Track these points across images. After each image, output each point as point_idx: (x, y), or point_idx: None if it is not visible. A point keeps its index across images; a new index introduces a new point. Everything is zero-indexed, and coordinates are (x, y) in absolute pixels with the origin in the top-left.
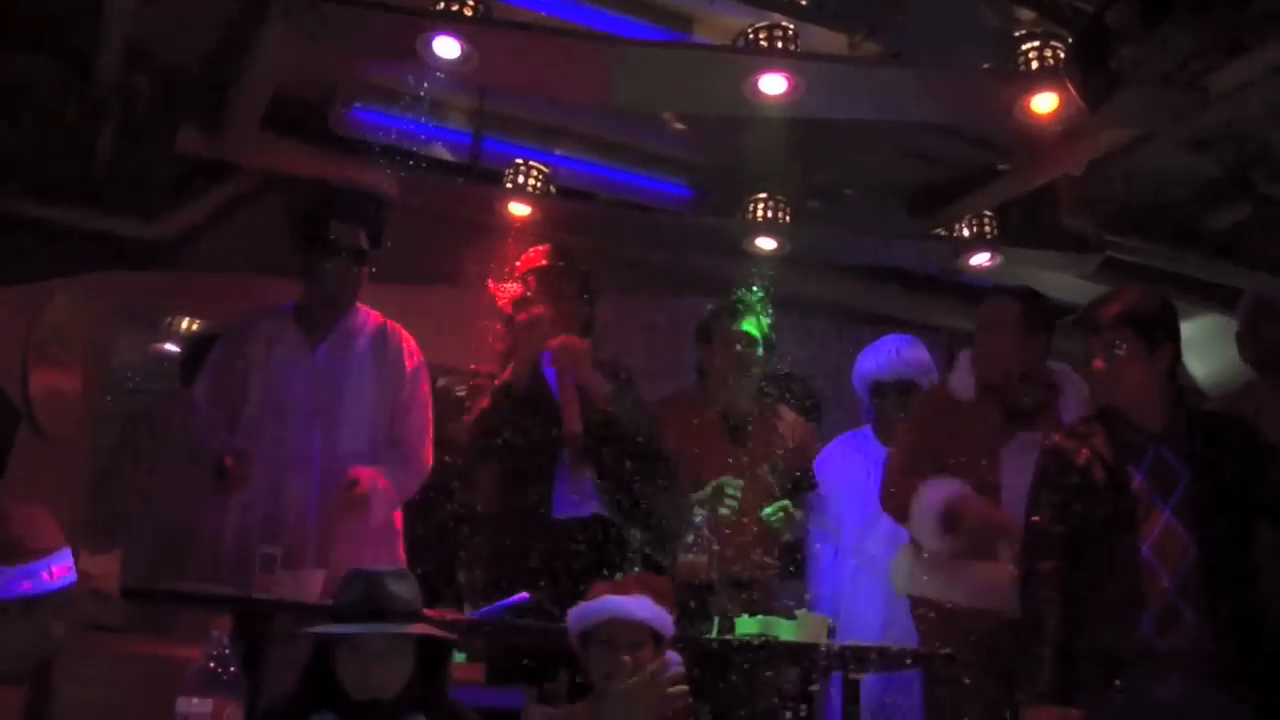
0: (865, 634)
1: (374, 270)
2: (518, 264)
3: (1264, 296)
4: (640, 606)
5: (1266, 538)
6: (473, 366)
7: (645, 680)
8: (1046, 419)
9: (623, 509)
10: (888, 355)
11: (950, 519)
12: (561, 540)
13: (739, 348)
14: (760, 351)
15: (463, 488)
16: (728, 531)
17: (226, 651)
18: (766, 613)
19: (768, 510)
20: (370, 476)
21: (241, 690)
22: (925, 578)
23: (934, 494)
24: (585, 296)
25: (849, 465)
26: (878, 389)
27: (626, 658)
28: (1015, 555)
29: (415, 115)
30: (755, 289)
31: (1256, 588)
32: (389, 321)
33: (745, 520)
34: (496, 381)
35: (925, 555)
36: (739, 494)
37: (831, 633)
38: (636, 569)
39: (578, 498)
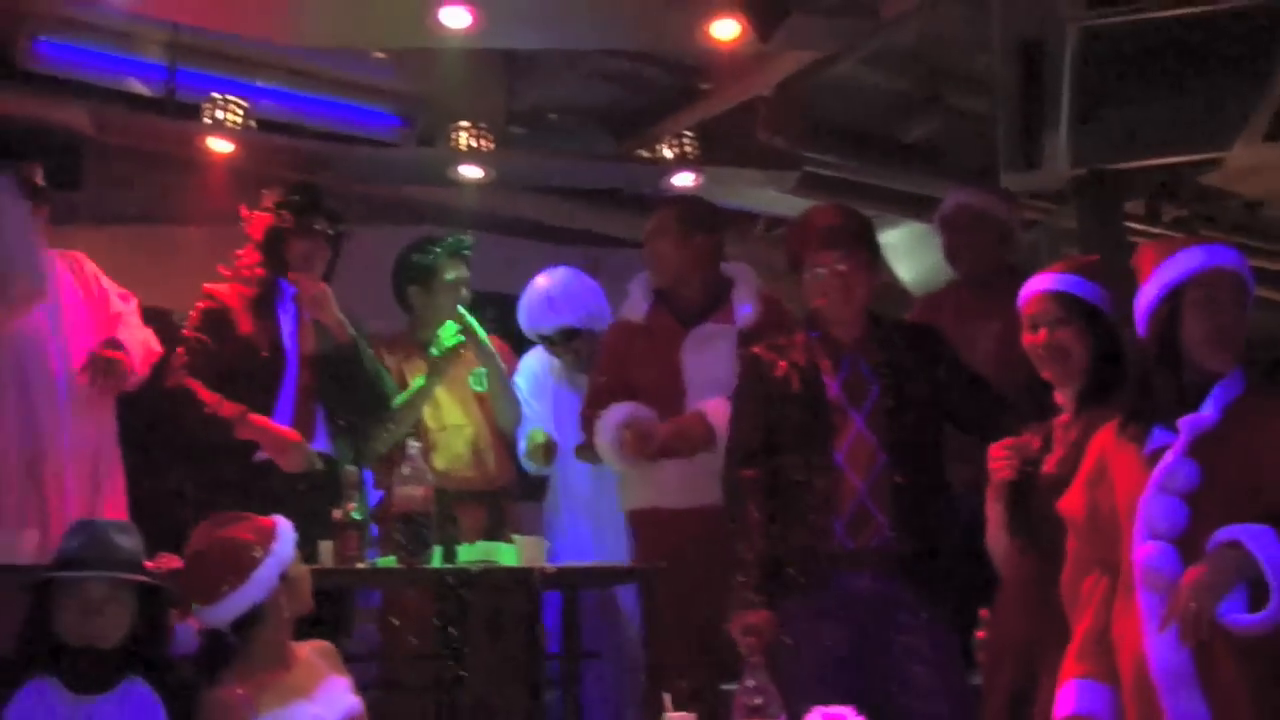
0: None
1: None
2: (268, 195)
3: (973, 208)
4: None
5: (952, 442)
6: (205, 287)
7: None
8: (719, 312)
9: (349, 445)
10: (539, 308)
11: (627, 443)
12: (286, 480)
13: (461, 291)
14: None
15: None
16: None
17: None
18: (504, 536)
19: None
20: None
21: None
22: (631, 490)
23: (609, 419)
24: (335, 234)
25: (545, 394)
26: (544, 341)
27: None
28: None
29: (106, 47)
30: (463, 235)
31: (942, 490)
32: (70, 253)
33: (479, 435)
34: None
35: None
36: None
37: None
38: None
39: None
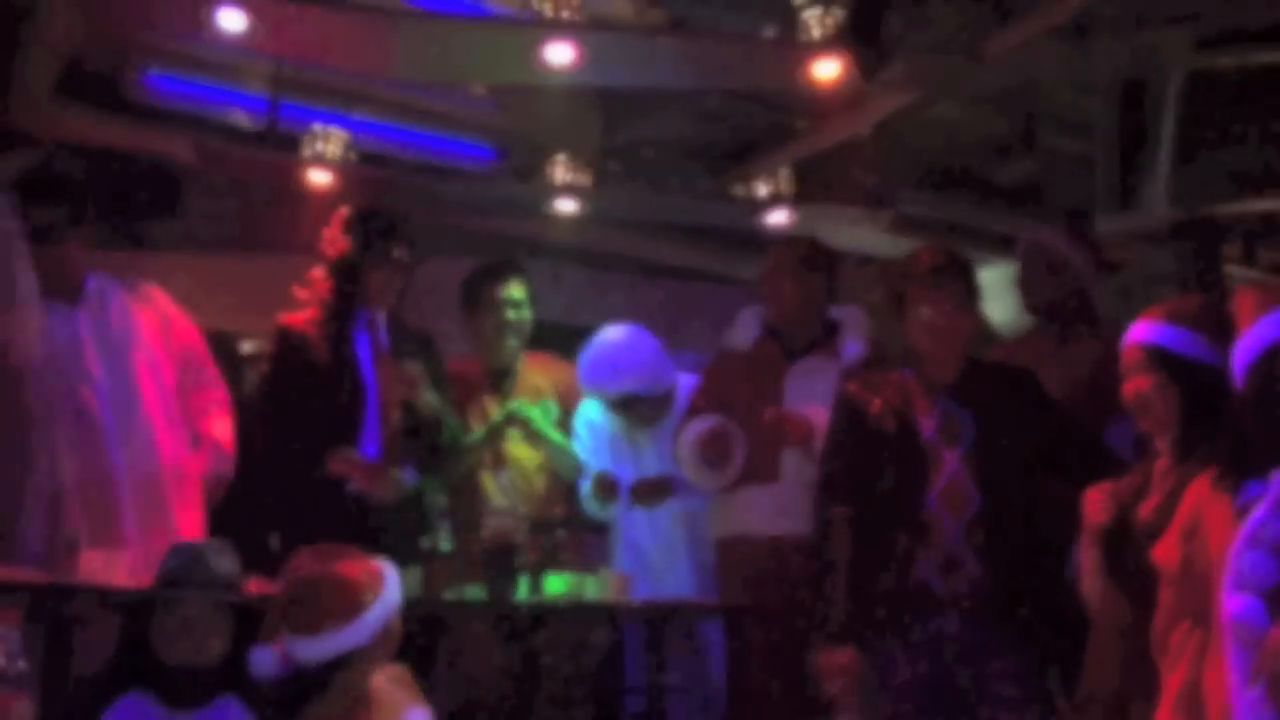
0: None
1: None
2: (338, 219)
3: (1036, 243)
4: None
5: (1048, 486)
6: (280, 320)
7: None
8: (824, 349)
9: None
10: (601, 371)
11: (709, 449)
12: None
13: (511, 311)
14: (527, 312)
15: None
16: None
17: (15, 646)
18: (579, 568)
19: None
20: None
21: (30, 684)
22: (720, 517)
23: (692, 429)
24: (409, 260)
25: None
26: (608, 405)
27: None
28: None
29: (211, 81)
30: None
31: (1036, 534)
32: (143, 285)
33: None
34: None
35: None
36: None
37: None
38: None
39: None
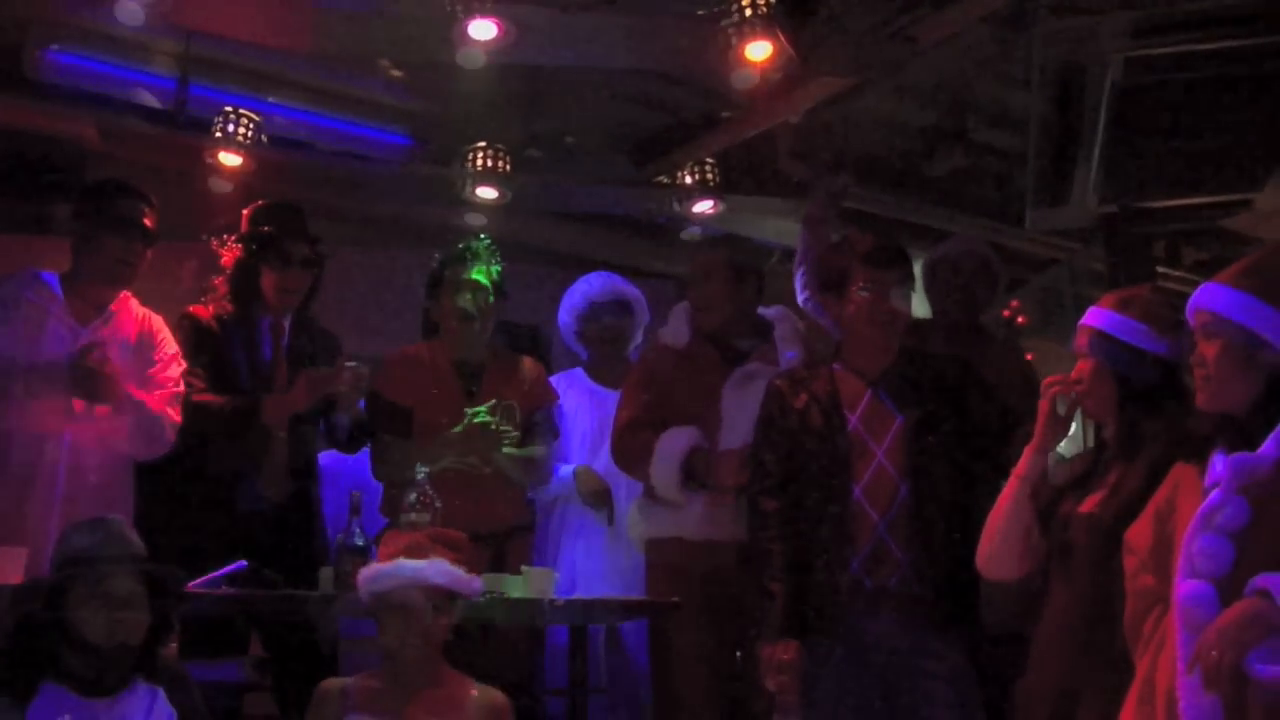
0: (591, 582)
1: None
2: (241, 219)
3: (934, 259)
4: (437, 571)
5: (981, 478)
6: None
7: None
8: (762, 353)
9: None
10: (600, 279)
11: (691, 470)
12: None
13: (468, 296)
14: (490, 299)
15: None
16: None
17: None
18: (514, 570)
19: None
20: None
21: None
22: (653, 517)
23: (672, 446)
24: (315, 258)
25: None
26: (593, 312)
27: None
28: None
29: (117, 59)
30: (483, 236)
31: (968, 526)
32: (150, 313)
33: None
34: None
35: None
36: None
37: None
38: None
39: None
